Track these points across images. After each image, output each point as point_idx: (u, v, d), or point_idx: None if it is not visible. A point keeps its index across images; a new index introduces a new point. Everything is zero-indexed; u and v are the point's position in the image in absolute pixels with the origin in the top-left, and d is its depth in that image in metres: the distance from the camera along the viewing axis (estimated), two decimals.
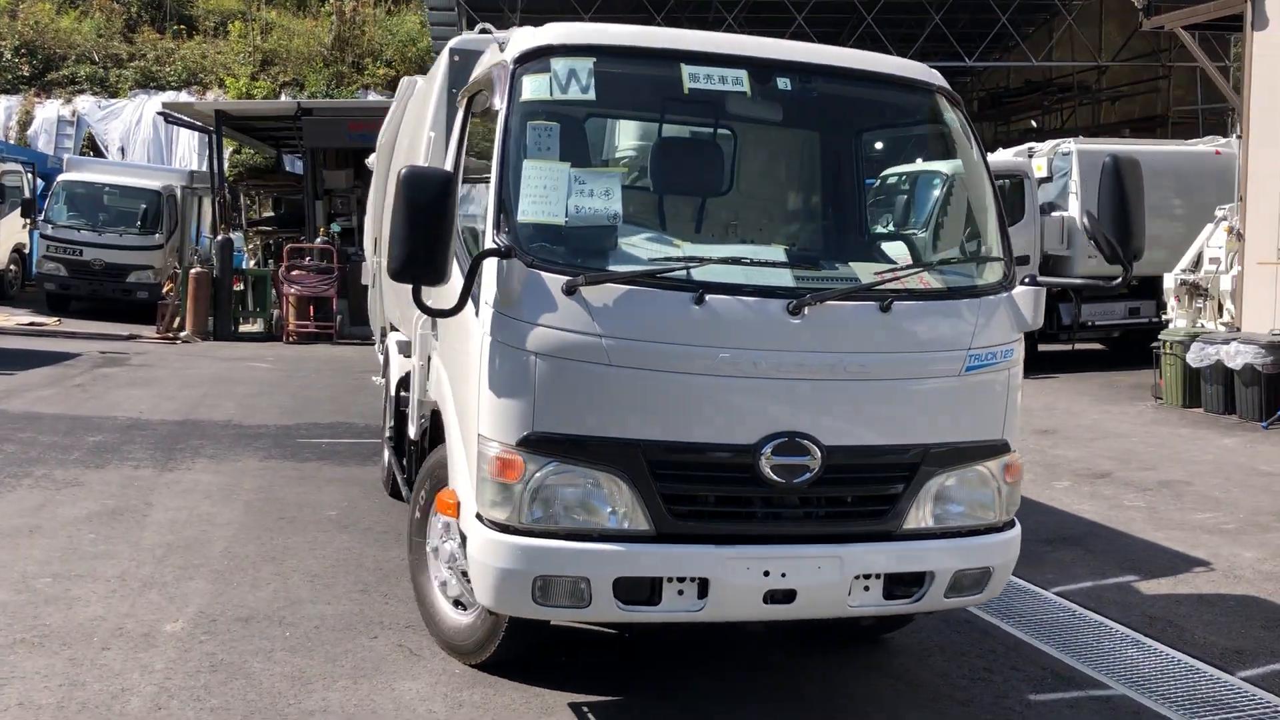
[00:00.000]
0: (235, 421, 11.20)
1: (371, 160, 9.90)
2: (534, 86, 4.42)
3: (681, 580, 4.22)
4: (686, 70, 4.56)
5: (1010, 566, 4.72)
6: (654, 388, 4.16)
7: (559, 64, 4.45)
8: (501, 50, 4.68)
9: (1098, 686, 5.20)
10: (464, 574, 4.91)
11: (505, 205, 4.25)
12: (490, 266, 4.15)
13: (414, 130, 7.15)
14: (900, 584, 4.48)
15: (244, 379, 14.65)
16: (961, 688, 5.15)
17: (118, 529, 7.15)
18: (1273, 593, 6.56)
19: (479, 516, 4.29)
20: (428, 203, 4.06)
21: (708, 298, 4.14)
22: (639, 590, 4.21)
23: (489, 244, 4.20)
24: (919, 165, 4.82)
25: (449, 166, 5.38)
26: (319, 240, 20.67)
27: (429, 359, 5.65)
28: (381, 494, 8.29)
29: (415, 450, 6.34)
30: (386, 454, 8.44)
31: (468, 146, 5.31)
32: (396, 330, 8.16)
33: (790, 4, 23.52)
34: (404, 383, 7.39)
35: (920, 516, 4.44)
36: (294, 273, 20.03)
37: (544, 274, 4.15)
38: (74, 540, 6.86)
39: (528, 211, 4.25)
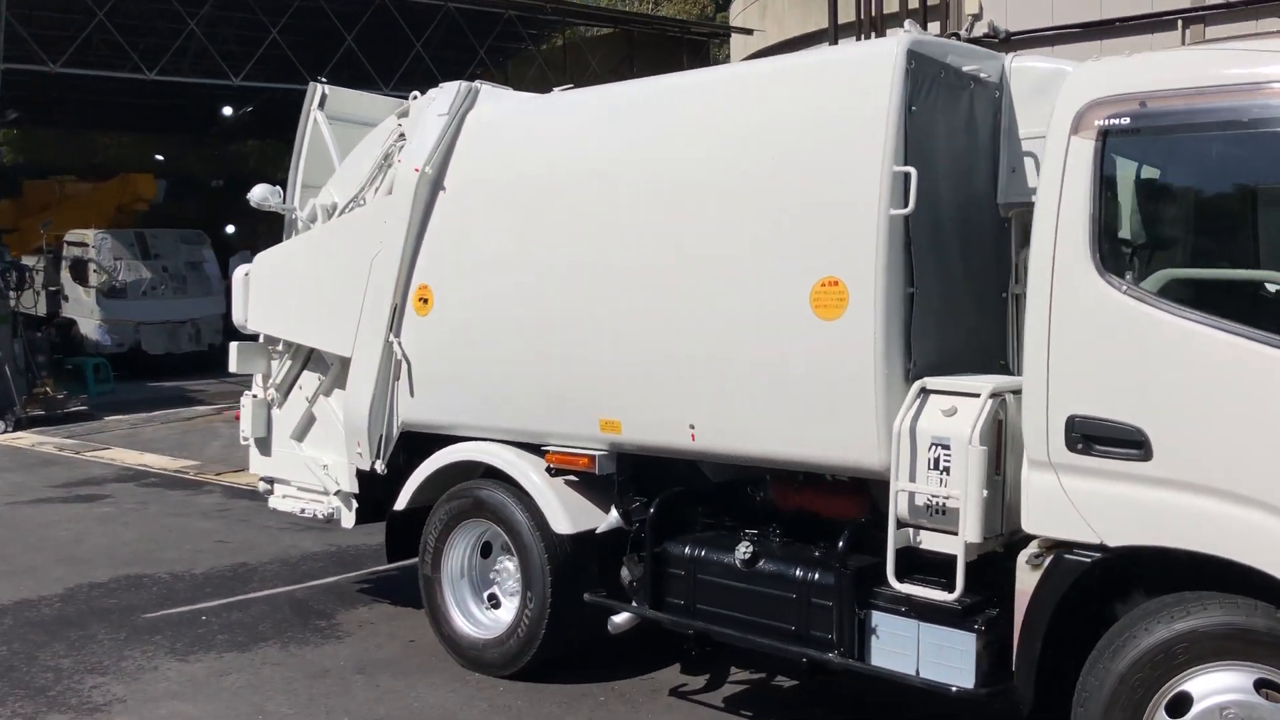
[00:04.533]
0: None
1: (263, 195, 6.88)
2: None
3: None
4: None
5: None
6: None
7: None
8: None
9: None
10: None
11: None
12: None
13: (635, 168, 5.08)
14: None
15: None
16: None
17: None
18: None
19: None
20: None
21: None
22: None
23: None
24: None
25: (1085, 225, 3.89)
26: None
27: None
28: (475, 678, 5.76)
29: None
30: (464, 621, 5.95)
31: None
32: (477, 440, 5.83)
33: None
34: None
35: None
36: None
37: None
38: None
39: None
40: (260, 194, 6.88)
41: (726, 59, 25.11)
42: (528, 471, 5.63)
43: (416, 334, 6.03)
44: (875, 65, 4.45)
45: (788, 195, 4.63)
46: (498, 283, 5.67)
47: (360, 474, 6.45)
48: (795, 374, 4.59)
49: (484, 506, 5.84)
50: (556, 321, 5.41)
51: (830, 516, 4.95)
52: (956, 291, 4.66)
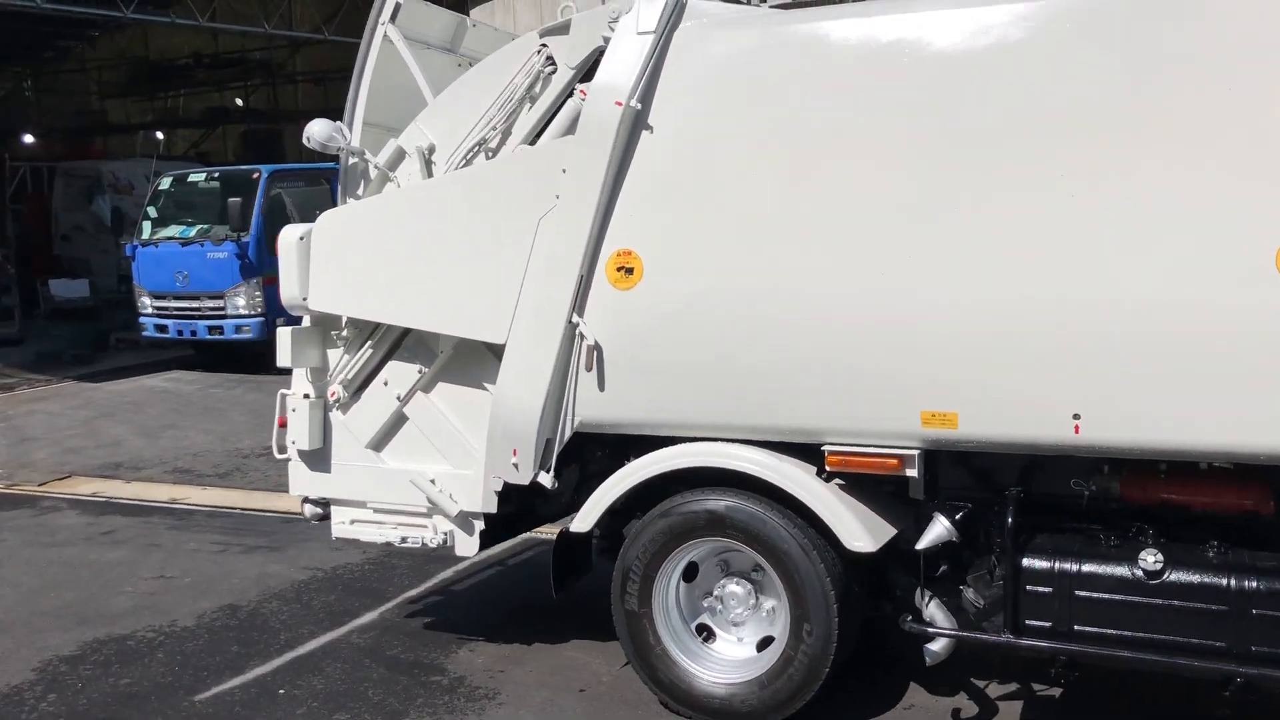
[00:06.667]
0: None
1: (328, 134, 5.25)
2: None
3: None
4: None
5: None
6: None
7: None
8: None
9: None
10: None
11: None
12: None
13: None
14: None
15: None
16: None
17: None
18: None
19: None
20: None
21: None
22: None
23: None
24: None
25: None
26: None
27: None
28: None
29: None
30: (692, 663, 4.86)
31: None
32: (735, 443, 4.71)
33: None
34: None
35: None
36: None
37: None
38: None
39: None
40: (324, 132, 5.24)
41: None
42: (802, 478, 4.59)
43: (614, 312, 4.77)
44: None
45: (1247, 129, 3.87)
46: (753, 244, 4.53)
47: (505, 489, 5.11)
48: (1254, 346, 3.87)
49: (724, 523, 4.72)
50: (857, 291, 4.36)
51: (1209, 510, 4.33)
52: None
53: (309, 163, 19.04)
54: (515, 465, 5.01)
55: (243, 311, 14.63)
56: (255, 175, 14.85)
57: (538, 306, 4.86)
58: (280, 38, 24.03)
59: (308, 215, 15.17)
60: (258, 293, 14.59)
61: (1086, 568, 4.28)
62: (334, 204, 16.37)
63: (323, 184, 15.68)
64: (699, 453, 4.77)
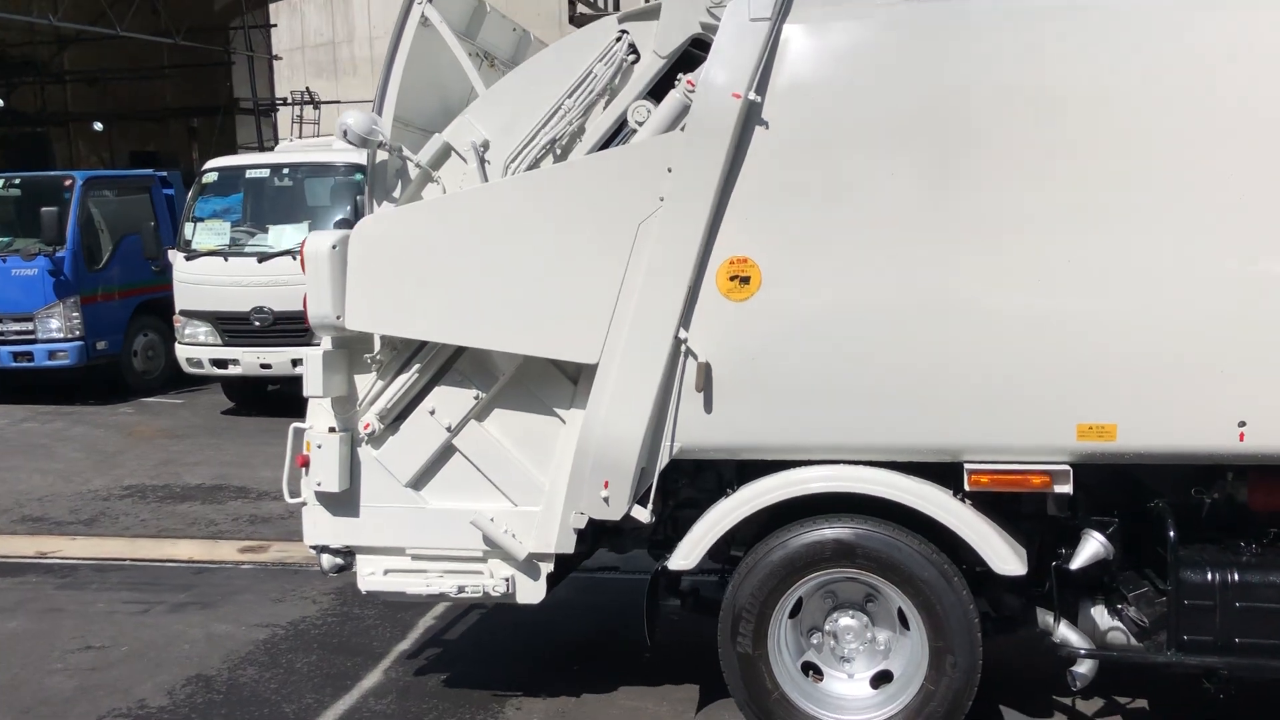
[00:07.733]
0: None
1: (367, 127, 4.55)
2: None
3: None
4: None
5: None
6: None
7: None
8: None
9: None
10: None
11: None
12: None
13: None
14: None
15: None
16: None
17: None
18: None
19: None
20: None
21: None
22: None
23: None
24: None
25: None
26: None
27: None
28: None
29: None
30: (815, 707, 4.51)
31: None
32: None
33: None
34: None
35: None
36: None
37: None
38: None
39: None
40: (364, 124, 4.53)
41: None
42: (945, 501, 4.28)
43: (726, 325, 4.31)
44: None
45: None
46: (891, 250, 4.17)
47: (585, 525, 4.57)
48: None
49: (854, 552, 4.35)
50: (1012, 299, 4.09)
51: None
52: None
53: (121, 170, 17.32)
54: (605, 499, 4.48)
55: (57, 335, 13.00)
56: (69, 182, 13.25)
57: (639, 321, 4.35)
58: (47, 31, 21.83)
59: (125, 227, 14.14)
60: (75, 313, 13.00)
61: (1246, 578, 4.18)
62: (154, 215, 15.02)
63: (141, 193, 14.23)
64: (829, 477, 4.38)
